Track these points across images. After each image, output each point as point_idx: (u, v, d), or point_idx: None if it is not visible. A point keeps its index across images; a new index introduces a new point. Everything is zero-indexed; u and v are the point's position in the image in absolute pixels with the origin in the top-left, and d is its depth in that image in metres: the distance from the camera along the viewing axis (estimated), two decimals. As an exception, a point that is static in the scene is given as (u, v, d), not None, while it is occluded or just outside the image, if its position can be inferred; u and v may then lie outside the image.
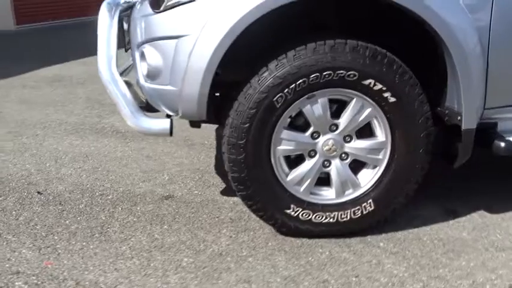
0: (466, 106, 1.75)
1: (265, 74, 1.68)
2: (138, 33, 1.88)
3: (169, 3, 1.75)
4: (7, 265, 1.71)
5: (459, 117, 1.77)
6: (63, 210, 2.12)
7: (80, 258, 1.76)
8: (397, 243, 1.84)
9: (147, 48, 1.81)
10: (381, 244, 1.84)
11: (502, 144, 1.84)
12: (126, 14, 2.10)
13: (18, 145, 2.97)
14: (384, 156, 1.81)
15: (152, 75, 1.82)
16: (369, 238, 1.87)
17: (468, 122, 1.77)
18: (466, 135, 1.79)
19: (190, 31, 1.67)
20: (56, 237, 1.91)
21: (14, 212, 2.11)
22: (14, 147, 2.94)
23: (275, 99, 1.68)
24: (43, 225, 2.00)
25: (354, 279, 1.62)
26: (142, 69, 1.87)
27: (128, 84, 1.98)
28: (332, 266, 1.70)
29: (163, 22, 1.76)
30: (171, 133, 1.88)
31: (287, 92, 1.67)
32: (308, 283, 1.60)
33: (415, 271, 1.66)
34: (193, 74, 1.68)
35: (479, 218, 2.03)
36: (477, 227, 1.96)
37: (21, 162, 2.69)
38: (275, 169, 1.79)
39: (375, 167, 1.84)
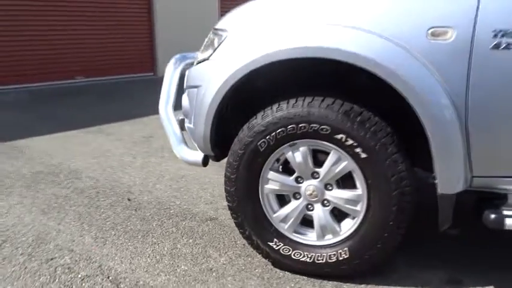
0: (441, 171, 1.75)
1: (254, 121, 1.98)
2: (185, 81, 2.37)
3: (198, 59, 2.21)
4: (69, 244, 2.34)
5: (436, 181, 1.78)
6: (132, 215, 2.71)
7: (115, 250, 2.29)
8: (368, 296, 1.90)
9: (185, 94, 2.29)
10: (352, 293, 1.92)
11: (492, 216, 1.77)
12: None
13: (144, 163, 3.74)
14: (361, 209, 1.91)
15: (185, 115, 2.29)
16: (344, 285, 1.97)
17: (444, 187, 1.77)
18: (442, 199, 1.78)
19: (203, 83, 2.09)
20: (113, 233, 2.48)
21: (102, 210, 2.79)
22: (141, 164, 3.71)
23: (259, 143, 1.96)
24: (112, 223, 2.61)
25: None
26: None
27: (183, 121, 2.47)
28: (287, 298, 1.88)
29: (193, 74, 2.22)
30: (203, 164, 2.30)
31: (269, 138, 1.95)
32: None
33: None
34: (200, 117, 2.09)
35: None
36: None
37: (135, 175, 3.42)
38: (263, 205, 2.05)
39: (353, 217, 1.95)
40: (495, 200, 1.85)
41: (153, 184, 3.24)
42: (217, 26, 2.14)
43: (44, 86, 8.05)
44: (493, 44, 1.64)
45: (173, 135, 2.39)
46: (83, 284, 1.98)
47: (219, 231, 2.49)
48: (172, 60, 2.55)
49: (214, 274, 2.07)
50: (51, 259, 2.20)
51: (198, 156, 2.29)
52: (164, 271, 2.09)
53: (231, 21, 2.09)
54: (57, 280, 2.02)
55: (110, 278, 2.03)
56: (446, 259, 2.17)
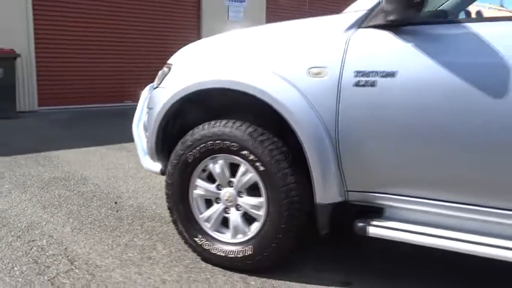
0: (317, 184, 2.14)
1: (186, 137, 2.46)
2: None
3: (154, 86, 2.73)
4: (51, 231, 2.90)
5: (313, 191, 2.17)
6: (111, 215, 3.24)
7: (84, 238, 2.81)
8: (263, 287, 2.28)
9: (147, 113, 2.81)
10: (252, 283, 2.31)
11: (359, 224, 2.13)
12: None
13: (146, 175, 4.29)
14: (263, 213, 2.31)
15: (146, 130, 2.81)
16: (249, 278, 2.36)
17: (320, 197, 2.15)
18: (318, 208, 2.16)
19: (154, 105, 2.61)
20: (89, 226, 3.01)
21: (90, 209, 3.34)
22: (142, 176, 4.27)
23: (188, 156, 2.44)
24: (93, 219, 3.14)
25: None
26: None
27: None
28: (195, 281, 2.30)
29: (150, 98, 2.75)
30: (161, 173, 2.79)
31: (195, 152, 2.41)
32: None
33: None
34: (151, 133, 2.60)
35: (358, 291, 2.25)
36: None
37: (132, 184, 3.97)
38: (192, 206, 2.51)
39: (258, 220, 2.35)
40: (373, 212, 2.19)
41: (142, 192, 3.77)
42: (168, 61, 2.67)
43: (94, 107, 8.96)
44: (354, 82, 2.03)
45: (140, 148, 2.91)
46: (47, 260, 2.51)
47: (174, 231, 2.95)
48: (147, 87, 3.10)
49: (150, 261, 2.53)
50: (32, 241, 2.76)
51: (158, 166, 2.78)
52: (113, 256, 2.58)
53: (175, 57, 2.61)
54: (29, 255, 2.56)
55: (69, 257, 2.55)
56: (342, 263, 2.50)
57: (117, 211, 3.31)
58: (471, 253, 1.95)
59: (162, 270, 2.43)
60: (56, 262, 2.49)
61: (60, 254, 2.58)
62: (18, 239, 2.77)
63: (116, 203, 3.49)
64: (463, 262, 2.32)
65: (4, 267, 2.42)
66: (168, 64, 2.63)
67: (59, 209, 3.32)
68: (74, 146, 5.49)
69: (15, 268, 2.41)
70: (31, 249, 2.65)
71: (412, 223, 2.10)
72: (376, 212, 2.19)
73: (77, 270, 2.40)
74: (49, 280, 2.30)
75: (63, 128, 6.98)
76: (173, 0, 9.93)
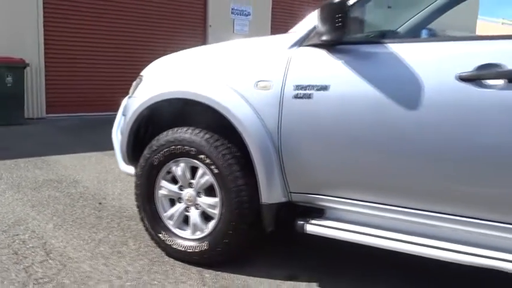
0: (262, 185, 2.37)
1: (152, 143, 2.71)
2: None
3: (128, 96, 3.00)
4: (35, 227, 3.16)
5: (259, 192, 2.39)
6: (93, 214, 3.50)
7: (63, 234, 3.06)
8: (218, 280, 2.51)
9: (123, 119, 3.07)
10: (207, 275, 2.54)
11: (298, 223, 2.35)
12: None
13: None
14: (218, 212, 2.55)
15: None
16: (205, 271, 2.59)
17: (264, 197, 2.38)
18: (263, 207, 2.39)
19: (127, 113, 2.87)
20: (71, 223, 3.27)
21: (75, 208, 3.60)
22: (131, 180, 4.52)
23: (153, 159, 2.69)
24: (75, 217, 3.40)
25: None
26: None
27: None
28: (152, 273, 2.54)
29: (125, 106, 3.01)
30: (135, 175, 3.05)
31: (160, 155, 2.66)
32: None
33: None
34: (123, 138, 2.86)
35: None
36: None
37: (120, 187, 4.23)
38: (157, 205, 2.75)
39: (214, 218, 2.58)
40: (316, 212, 2.41)
41: (127, 194, 4.02)
42: (140, 73, 2.93)
43: (100, 115, 9.29)
44: (294, 95, 2.26)
45: (118, 152, 3.16)
46: (25, 251, 2.77)
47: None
48: (126, 97, 3.36)
49: (119, 255, 2.77)
50: (16, 235, 3.02)
51: (132, 169, 3.04)
52: (86, 250, 2.83)
53: (147, 70, 2.88)
54: (10, 247, 2.82)
55: (46, 250, 2.81)
56: (293, 259, 2.71)
57: (99, 211, 3.57)
58: (397, 250, 2.16)
59: (128, 262, 2.67)
60: (33, 254, 2.75)
61: (39, 247, 2.84)
62: (4, 233, 3.04)
63: (100, 203, 3.75)
64: (398, 259, 2.52)
65: (-14, 256, 2.68)
66: (140, 76, 2.90)
67: (46, 208, 3.59)
68: (73, 151, 5.78)
69: (-4, 258, 2.67)
70: (13, 242, 2.91)
71: (349, 223, 2.31)
72: (319, 213, 2.40)
73: (50, 261, 2.65)
74: (24, 268, 2.55)
75: (67, 134, 7.31)
76: (180, 14, 10.28)
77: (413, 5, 3.14)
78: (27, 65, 7.91)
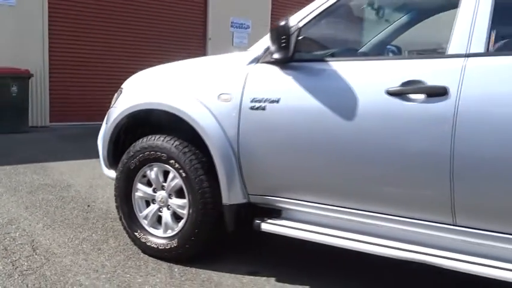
0: (223, 187, 2.63)
1: (130, 149, 2.99)
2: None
3: (111, 106, 3.28)
4: (26, 226, 3.44)
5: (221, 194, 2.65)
6: (80, 215, 3.77)
7: (51, 232, 3.34)
8: (185, 274, 2.76)
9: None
10: (175, 269, 2.80)
11: (255, 221, 2.61)
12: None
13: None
14: (187, 212, 2.81)
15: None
16: (175, 266, 2.84)
17: (225, 199, 2.64)
18: (224, 207, 2.65)
19: (107, 122, 3.15)
20: (59, 223, 3.54)
21: (65, 210, 3.88)
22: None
23: (130, 164, 2.96)
24: (64, 218, 3.68)
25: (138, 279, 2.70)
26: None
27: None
28: (127, 267, 2.80)
29: (107, 115, 3.28)
30: (117, 179, 3.32)
31: (136, 161, 2.93)
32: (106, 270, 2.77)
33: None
34: (104, 145, 3.14)
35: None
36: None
37: (110, 192, 4.50)
38: (134, 206, 3.02)
39: (183, 218, 2.84)
40: (275, 213, 2.66)
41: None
42: (121, 86, 3.21)
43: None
44: (250, 106, 2.53)
45: (101, 157, 3.44)
46: (14, 247, 3.05)
47: (128, 230, 3.46)
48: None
49: (99, 251, 3.04)
50: (8, 233, 3.30)
51: (113, 173, 3.31)
52: (69, 246, 3.10)
53: (126, 83, 3.16)
54: (1, 243, 3.10)
55: (33, 246, 3.08)
56: (254, 257, 2.96)
57: (87, 212, 3.84)
58: (340, 246, 2.40)
59: (106, 258, 2.94)
60: (21, 249, 3.02)
61: (27, 244, 3.12)
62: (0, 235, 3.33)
63: (88, 206, 4.03)
64: (351, 256, 2.75)
65: (-22, 250, 2.96)
66: (121, 88, 3.18)
67: (38, 209, 3.87)
68: (71, 158, 6.09)
69: (-13, 252, 2.95)
70: (4, 239, 3.19)
71: (301, 222, 2.56)
72: (277, 213, 2.66)
73: (36, 256, 2.93)
74: (11, 262, 2.82)
75: (68, 142, 7.63)
76: (180, 27, 10.61)
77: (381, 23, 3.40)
78: (32, 75, 8.26)
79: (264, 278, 2.73)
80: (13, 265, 2.78)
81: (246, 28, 11.59)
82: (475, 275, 2.10)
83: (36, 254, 2.96)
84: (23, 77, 8.15)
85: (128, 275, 2.71)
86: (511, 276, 2.01)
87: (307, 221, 2.55)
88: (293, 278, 2.72)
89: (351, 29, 3.25)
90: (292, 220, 2.60)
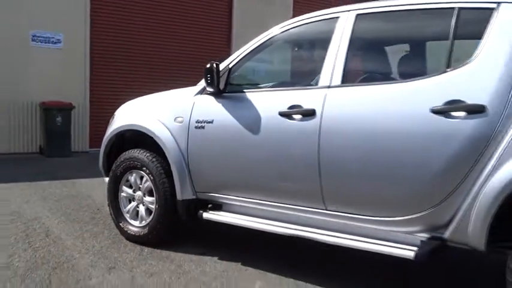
0: (177, 186, 3.54)
1: (117, 159, 3.96)
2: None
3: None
4: (42, 218, 4.46)
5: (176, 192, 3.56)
6: (88, 215, 4.76)
7: (62, 224, 4.34)
8: (151, 253, 3.65)
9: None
10: (145, 250, 3.69)
11: (199, 212, 3.48)
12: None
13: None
14: (155, 207, 3.72)
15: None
16: (145, 249, 3.74)
17: (179, 195, 3.53)
18: (178, 203, 3.54)
19: (108, 132, 4.15)
20: (71, 218, 4.54)
21: (78, 211, 4.89)
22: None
23: (117, 171, 3.93)
24: (75, 215, 4.68)
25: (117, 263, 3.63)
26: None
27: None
28: (113, 250, 3.72)
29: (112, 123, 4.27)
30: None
31: (120, 168, 3.90)
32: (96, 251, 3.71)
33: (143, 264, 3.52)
34: (100, 157, 4.13)
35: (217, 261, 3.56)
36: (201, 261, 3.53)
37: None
38: (120, 203, 3.97)
39: (153, 211, 3.75)
40: (217, 206, 3.52)
41: (121, 205, 5.28)
42: (114, 113, 4.22)
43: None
44: (195, 126, 3.44)
45: (100, 160, 4.40)
46: (33, 233, 4.06)
47: (122, 225, 4.41)
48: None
49: (94, 238, 3.99)
50: (31, 225, 4.32)
51: (107, 179, 4.29)
52: (73, 234, 4.08)
53: (117, 111, 4.16)
54: (24, 232, 4.11)
55: (47, 233, 4.08)
56: (206, 242, 3.80)
57: (95, 214, 4.83)
58: (272, 232, 3.16)
59: (97, 242, 3.88)
60: (37, 235, 4.03)
61: (43, 232, 4.12)
62: (23, 224, 4.35)
63: (98, 209, 5.03)
64: (282, 240, 3.55)
65: (6, 235, 3.99)
66: (114, 115, 4.19)
67: (59, 211, 4.90)
68: (97, 176, 7.16)
69: (13, 237, 3.97)
70: (27, 228, 4.21)
71: (235, 213, 3.41)
72: (218, 206, 3.52)
73: (47, 239, 3.92)
74: (28, 242, 3.82)
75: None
76: (207, 39, 11.49)
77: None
78: (74, 107, 9.57)
79: (209, 257, 3.57)
80: (29, 244, 3.78)
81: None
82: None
83: (47, 238, 3.96)
84: (66, 109, 9.46)
85: (109, 252, 3.64)
86: (365, 246, 2.75)
87: (236, 211, 3.39)
88: (231, 258, 3.55)
89: (271, 67, 4.13)
90: (229, 211, 3.45)
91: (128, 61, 10.65)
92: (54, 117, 9.33)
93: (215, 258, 3.55)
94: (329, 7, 3.15)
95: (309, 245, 3.21)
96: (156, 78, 10.99)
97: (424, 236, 2.62)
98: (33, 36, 9.44)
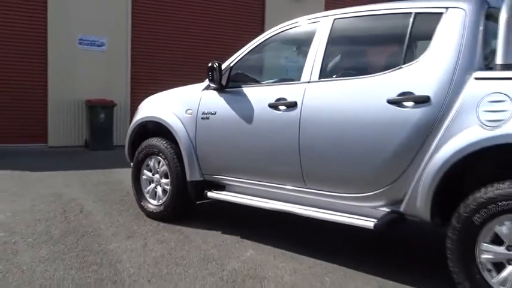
0: (186, 169, 4.09)
1: (139, 147, 4.56)
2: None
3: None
4: (79, 199, 5.14)
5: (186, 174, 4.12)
6: (118, 197, 5.41)
7: (96, 204, 5.00)
8: (165, 227, 4.23)
9: (132, 136, 4.99)
10: (161, 224, 4.27)
11: (205, 192, 4.03)
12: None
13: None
14: (169, 187, 4.29)
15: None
16: (161, 223, 4.32)
17: (189, 177, 4.09)
18: (188, 183, 4.10)
19: (132, 123, 4.77)
20: (104, 199, 5.20)
21: (110, 195, 5.55)
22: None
23: (139, 156, 4.53)
24: (107, 199, 5.34)
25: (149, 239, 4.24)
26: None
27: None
28: (140, 223, 4.33)
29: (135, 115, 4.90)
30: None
31: (142, 155, 4.49)
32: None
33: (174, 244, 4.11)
34: (126, 145, 4.76)
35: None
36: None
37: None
38: (141, 185, 4.57)
39: (168, 191, 4.32)
40: (222, 186, 4.05)
41: (149, 190, 5.91)
42: (139, 106, 4.83)
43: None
44: (201, 117, 3.99)
45: (126, 153, 5.03)
46: (70, 210, 4.73)
47: (146, 206, 5.02)
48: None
49: (119, 214, 4.60)
50: (69, 204, 5.00)
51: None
52: (103, 211, 4.71)
53: (141, 104, 4.77)
54: (63, 208, 4.79)
55: (81, 210, 4.74)
56: (212, 220, 4.33)
57: (124, 196, 5.47)
58: (264, 208, 3.66)
59: (122, 217, 4.50)
60: (73, 211, 4.69)
61: (78, 209, 4.79)
62: (62, 203, 5.04)
63: (128, 193, 5.67)
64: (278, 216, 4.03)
65: (51, 210, 4.68)
66: (138, 107, 4.80)
67: (94, 194, 5.58)
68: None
69: (52, 211, 4.65)
70: (66, 206, 4.89)
71: (235, 192, 3.92)
72: (223, 187, 4.05)
73: (80, 214, 4.58)
74: (64, 217, 4.49)
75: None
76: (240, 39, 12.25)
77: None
78: (116, 104, 10.37)
79: (214, 231, 4.10)
80: (65, 218, 4.44)
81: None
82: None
83: (80, 213, 4.62)
84: (109, 106, 10.27)
85: (130, 226, 4.24)
86: (334, 218, 3.20)
87: (236, 191, 3.91)
88: (232, 232, 4.06)
89: (264, 65, 4.61)
90: (229, 191, 3.97)
91: (165, 61, 11.37)
92: (98, 114, 10.15)
93: (219, 232, 4.08)
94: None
95: (296, 219, 3.68)
96: (190, 76, 11.68)
97: (385, 210, 3.04)
98: (80, 39, 10.32)
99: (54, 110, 10.18)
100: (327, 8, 13.35)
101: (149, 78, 11.25)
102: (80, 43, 10.34)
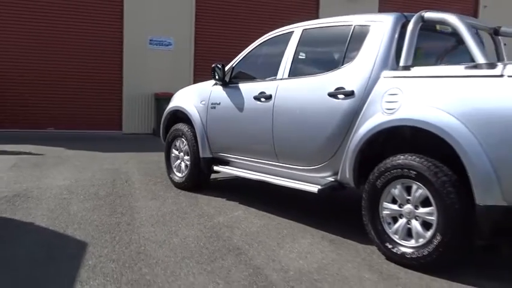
0: (199, 147, 5.18)
1: (171, 130, 5.73)
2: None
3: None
4: (129, 173, 6.43)
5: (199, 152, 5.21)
6: (159, 174, 6.64)
7: (146, 180, 6.25)
8: (185, 194, 5.35)
9: (168, 123, 6.17)
10: (199, 195, 5.40)
11: (213, 166, 5.10)
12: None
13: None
14: (189, 163, 5.41)
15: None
16: (182, 191, 5.45)
17: (202, 154, 5.18)
18: (201, 160, 5.19)
19: (165, 112, 5.95)
20: (150, 176, 6.45)
21: (156, 171, 6.79)
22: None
23: (169, 138, 5.70)
24: (152, 174, 6.58)
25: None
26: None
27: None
28: (179, 201, 5.51)
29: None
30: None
31: (171, 137, 5.66)
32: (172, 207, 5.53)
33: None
34: (161, 129, 5.95)
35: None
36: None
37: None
38: (171, 161, 5.74)
39: (188, 166, 5.44)
40: (227, 162, 5.10)
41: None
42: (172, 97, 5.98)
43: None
44: (211, 106, 5.05)
45: (161, 136, 6.21)
46: (117, 180, 6.01)
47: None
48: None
49: (154, 185, 5.81)
50: (117, 174, 6.30)
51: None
52: (146, 183, 5.93)
53: (174, 95, 5.92)
54: (112, 177, 6.09)
55: (126, 180, 6.01)
56: (224, 192, 5.36)
57: (165, 173, 6.68)
58: (251, 178, 4.68)
59: (154, 186, 5.69)
60: (119, 181, 5.96)
61: (124, 180, 6.06)
62: (115, 175, 6.34)
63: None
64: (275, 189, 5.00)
65: (104, 179, 5.99)
66: (172, 96, 5.96)
67: (143, 169, 6.85)
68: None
69: (105, 180, 5.95)
70: (116, 177, 6.18)
71: (237, 167, 4.95)
72: (228, 162, 5.09)
73: (125, 184, 5.83)
74: (112, 184, 5.76)
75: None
76: None
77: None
78: (179, 97, 11.77)
79: (219, 198, 5.14)
80: (112, 184, 5.72)
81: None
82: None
83: (126, 183, 5.88)
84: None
85: (157, 192, 5.41)
86: (290, 185, 4.10)
87: (238, 166, 4.92)
88: (233, 199, 5.08)
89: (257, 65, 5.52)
90: (233, 166, 4.99)
91: (225, 59, 12.57)
92: (163, 106, 11.54)
93: (223, 199, 5.11)
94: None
95: (285, 189, 4.63)
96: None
97: (329, 179, 3.90)
98: (150, 40, 11.82)
99: (128, 102, 11.79)
100: (381, 9, 13.81)
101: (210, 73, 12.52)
102: (150, 43, 11.83)
